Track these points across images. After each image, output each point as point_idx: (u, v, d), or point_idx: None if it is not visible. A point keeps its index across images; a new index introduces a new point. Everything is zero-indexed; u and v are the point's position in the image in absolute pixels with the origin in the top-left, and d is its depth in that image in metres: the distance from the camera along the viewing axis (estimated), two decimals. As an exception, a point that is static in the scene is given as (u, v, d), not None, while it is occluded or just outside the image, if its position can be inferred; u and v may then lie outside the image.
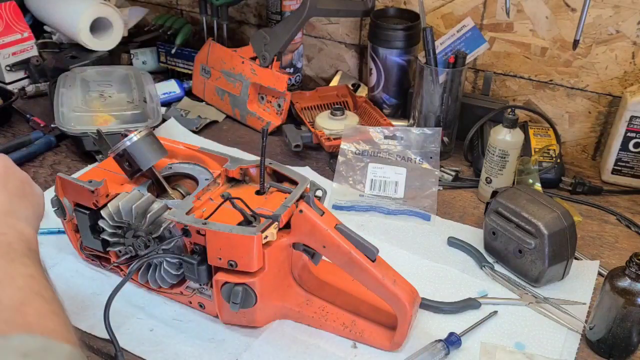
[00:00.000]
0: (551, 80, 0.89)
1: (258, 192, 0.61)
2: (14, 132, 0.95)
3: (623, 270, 0.55)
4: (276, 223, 0.54)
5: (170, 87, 1.04)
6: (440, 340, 0.57)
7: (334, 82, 1.05)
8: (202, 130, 0.96)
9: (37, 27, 1.11)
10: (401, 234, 0.73)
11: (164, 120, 0.93)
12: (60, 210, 0.63)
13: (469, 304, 0.62)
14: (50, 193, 0.72)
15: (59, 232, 0.70)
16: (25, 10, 1.10)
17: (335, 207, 0.77)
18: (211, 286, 0.57)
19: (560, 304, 0.62)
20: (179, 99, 1.03)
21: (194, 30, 1.16)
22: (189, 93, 1.05)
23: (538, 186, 0.75)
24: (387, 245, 0.70)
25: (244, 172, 0.64)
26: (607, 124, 0.87)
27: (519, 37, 0.88)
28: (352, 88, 1.01)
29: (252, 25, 1.14)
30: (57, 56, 1.04)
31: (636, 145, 0.80)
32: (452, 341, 0.57)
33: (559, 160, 0.82)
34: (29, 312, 0.36)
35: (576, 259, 0.68)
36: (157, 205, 0.58)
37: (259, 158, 0.60)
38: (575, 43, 0.79)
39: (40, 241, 0.70)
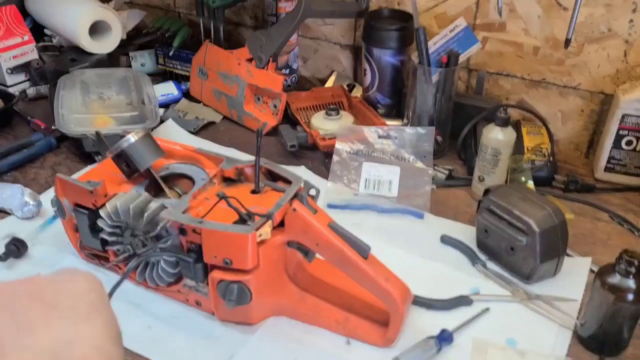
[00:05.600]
0: (544, 79, 0.90)
1: (253, 192, 0.62)
2: (15, 134, 0.96)
3: (613, 267, 0.55)
4: (270, 221, 0.55)
5: (168, 89, 1.05)
6: (432, 337, 0.57)
7: (329, 83, 1.06)
8: (199, 131, 0.97)
9: (37, 31, 1.12)
10: (395, 232, 0.74)
11: (162, 122, 0.94)
12: (60, 210, 0.64)
13: (461, 301, 0.63)
14: (50, 193, 0.74)
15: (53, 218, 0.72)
16: (25, 14, 1.11)
17: (330, 205, 0.78)
18: (207, 284, 0.58)
19: (551, 300, 0.62)
20: (176, 101, 1.04)
21: (191, 32, 1.17)
22: (186, 94, 1.06)
23: (530, 184, 0.76)
24: (381, 243, 0.69)
25: (240, 171, 0.65)
26: (599, 122, 0.88)
27: (511, 36, 0.89)
28: (347, 88, 1.02)
29: (248, 27, 1.15)
30: (57, 59, 1.05)
31: (628, 143, 0.81)
32: (444, 338, 0.57)
33: (551, 159, 0.83)
34: None
35: (568, 256, 0.69)
36: (154, 204, 0.59)
37: (254, 158, 0.61)
38: (567, 42, 0.79)
39: (40, 240, 0.72)
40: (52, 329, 0.29)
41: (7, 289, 0.31)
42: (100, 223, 0.61)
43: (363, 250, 0.55)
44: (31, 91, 1.05)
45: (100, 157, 0.82)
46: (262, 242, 0.55)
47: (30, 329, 0.28)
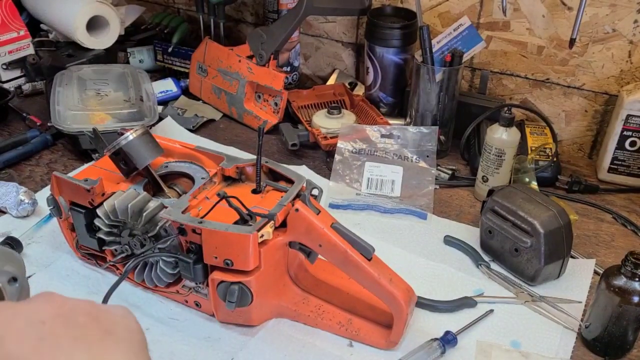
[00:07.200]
0: (548, 79, 0.89)
1: (254, 191, 0.61)
2: (10, 130, 0.94)
3: (619, 269, 0.55)
4: (272, 222, 0.54)
5: (167, 86, 1.04)
6: (436, 339, 0.57)
7: (331, 81, 1.05)
8: (198, 128, 0.96)
9: (34, 26, 1.11)
10: (397, 233, 0.73)
11: (160, 119, 0.92)
12: (56, 209, 0.63)
13: (465, 303, 0.62)
14: (46, 192, 0.73)
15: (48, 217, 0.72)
16: (21, 8, 1.10)
17: (332, 205, 0.77)
18: (207, 285, 0.57)
19: (556, 302, 0.62)
20: (175, 98, 1.03)
21: (190, 28, 1.16)
22: (185, 91, 1.05)
23: (534, 185, 0.75)
24: (384, 244, 0.70)
25: (240, 170, 0.64)
26: (603, 122, 0.87)
27: (515, 35, 0.88)
28: (349, 87, 1.01)
29: (249, 23, 1.14)
30: (54, 54, 1.04)
31: (632, 143, 0.80)
32: (448, 340, 0.57)
33: (555, 159, 0.82)
34: None
35: (572, 257, 0.68)
36: (153, 204, 0.58)
37: (255, 157, 0.60)
38: (572, 42, 0.79)
39: (35, 239, 0.71)
40: (106, 353, 0.29)
41: (68, 302, 0.31)
42: (97, 222, 0.60)
43: (367, 252, 0.54)
44: (27, 87, 1.04)
45: (97, 154, 0.81)
46: (263, 243, 0.54)
47: (86, 345, 0.28)
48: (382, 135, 0.83)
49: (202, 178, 0.63)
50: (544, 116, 0.86)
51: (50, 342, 0.27)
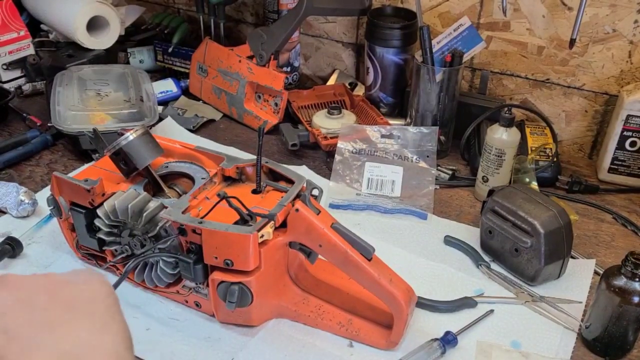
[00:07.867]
0: (548, 79, 0.89)
1: (254, 191, 0.61)
2: (10, 130, 0.95)
3: (619, 269, 0.55)
4: (272, 222, 0.54)
5: (167, 86, 1.04)
6: (436, 339, 0.57)
7: (331, 81, 1.05)
8: (199, 129, 0.96)
9: (34, 26, 1.11)
10: (398, 233, 0.73)
11: (160, 119, 0.92)
12: (56, 209, 0.63)
13: (465, 303, 0.62)
14: (46, 192, 0.73)
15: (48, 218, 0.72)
16: (21, 8, 1.10)
17: (332, 205, 0.77)
18: (207, 285, 0.57)
19: (556, 302, 0.62)
20: (176, 98, 1.03)
21: (191, 28, 1.16)
22: (186, 92, 1.05)
23: (534, 185, 0.75)
24: (384, 244, 0.70)
25: (241, 171, 0.64)
26: (603, 122, 0.87)
27: (515, 35, 0.88)
28: (349, 87, 1.01)
29: (249, 24, 1.14)
30: (54, 55, 1.04)
31: (632, 144, 0.80)
32: (448, 340, 0.57)
33: (555, 159, 0.82)
34: None
35: (572, 257, 0.68)
36: (153, 204, 0.58)
37: (255, 157, 0.60)
38: (572, 42, 0.79)
39: (35, 239, 0.71)
40: (71, 332, 0.29)
41: (26, 283, 0.30)
42: (97, 222, 0.60)
43: (367, 252, 0.54)
44: (27, 87, 1.04)
45: (97, 155, 0.81)
46: (263, 243, 0.54)
47: (49, 329, 0.28)
48: (382, 136, 0.83)
49: (202, 178, 0.63)
50: (544, 116, 0.87)
51: (14, 335, 0.28)
